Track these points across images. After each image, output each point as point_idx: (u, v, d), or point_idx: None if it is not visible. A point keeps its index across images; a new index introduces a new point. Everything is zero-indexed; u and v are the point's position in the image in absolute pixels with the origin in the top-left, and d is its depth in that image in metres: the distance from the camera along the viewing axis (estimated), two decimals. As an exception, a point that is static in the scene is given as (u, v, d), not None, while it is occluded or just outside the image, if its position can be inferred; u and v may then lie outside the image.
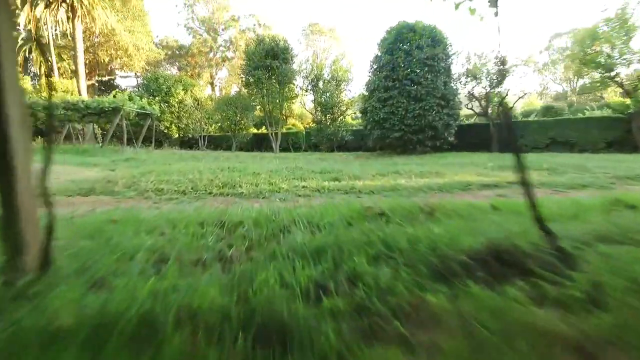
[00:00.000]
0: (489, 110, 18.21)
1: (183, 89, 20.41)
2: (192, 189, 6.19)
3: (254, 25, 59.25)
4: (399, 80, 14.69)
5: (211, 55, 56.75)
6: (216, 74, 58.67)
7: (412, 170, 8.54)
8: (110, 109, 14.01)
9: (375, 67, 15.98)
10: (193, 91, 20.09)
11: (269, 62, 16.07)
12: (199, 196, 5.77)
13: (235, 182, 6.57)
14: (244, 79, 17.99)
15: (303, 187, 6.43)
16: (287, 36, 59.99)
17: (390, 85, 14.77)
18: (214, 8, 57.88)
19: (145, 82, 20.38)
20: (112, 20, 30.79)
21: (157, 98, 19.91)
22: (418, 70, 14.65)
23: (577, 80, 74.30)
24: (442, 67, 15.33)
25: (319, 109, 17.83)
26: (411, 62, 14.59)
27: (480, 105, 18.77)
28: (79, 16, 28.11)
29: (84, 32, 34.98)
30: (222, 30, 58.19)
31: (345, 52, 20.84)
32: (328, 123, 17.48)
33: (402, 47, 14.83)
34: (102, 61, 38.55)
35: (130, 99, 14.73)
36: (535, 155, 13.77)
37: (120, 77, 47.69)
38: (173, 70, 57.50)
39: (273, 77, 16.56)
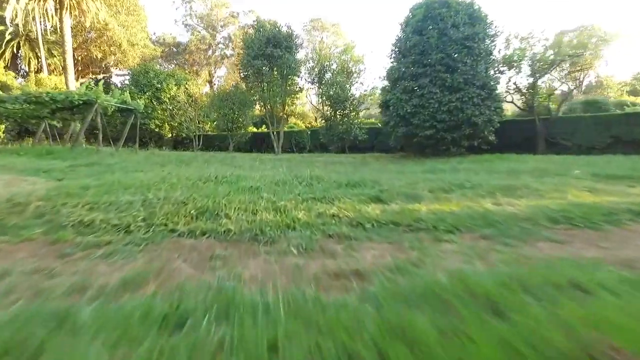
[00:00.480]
0: (534, 104, 15.45)
1: (176, 85, 17.79)
2: (143, 220, 3.76)
3: (254, 22, 56.75)
4: (430, 66, 11.13)
5: (210, 52, 54.21)
6: (215, 72, 56.11)
7: (478, 182, 5.94)
8: (81, 102, 11.42)
9: (398, 51, 12.45)
10: (187, 86, 17.43)
11: (269, 50, 13.36)
12: (151, 237, 3.23)
13: (218, 206, 4.07)
14: (241, 72, 15.15)
15: (332, 215, 3.99)
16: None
17: (419, 72, 11.09)
18: (213, 4, 55.32)
19: (134, 76, 17.73)
20: (103, 14, 28.21)
21: (147, 94, 17.29)
22: (455, 54, 11.20)
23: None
24: (482, 50, 11.95)
25: (327, 103, 14.98)
26: (445, 43, 11.07)
27: (525, 97, 16.14)
28: (66, 8, 25.48)
29: (76, 26, 32.43)
30: (221, 27, 55.65)
31: (355, 43, 17.75)
32: (338, 119, 14.63)
33: (433, 25, 11.32)
34: (96, 57, 35.95)
35: (107, 91, 11.99)
36: (607, 158, 11.08)
37: (117, 75, 45.09)
38: (170, 68, 55.08)
39: (275, 69, 13.81)
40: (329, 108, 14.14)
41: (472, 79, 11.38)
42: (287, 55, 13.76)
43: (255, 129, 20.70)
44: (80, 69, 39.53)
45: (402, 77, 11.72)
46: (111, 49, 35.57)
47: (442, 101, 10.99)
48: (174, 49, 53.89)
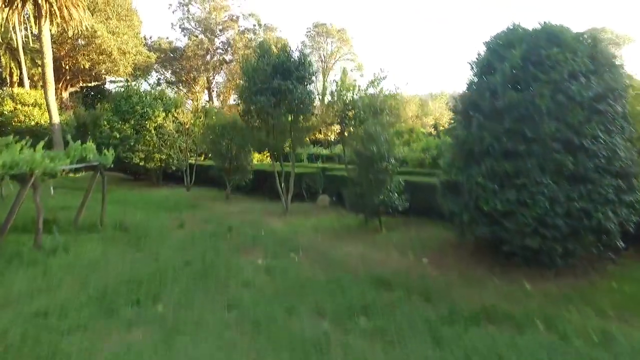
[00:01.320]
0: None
1: (164, 110, 15.08)
2: None
3: (254, 26, 54.01)
4: (537, 141, 6.69)
5: (208, 57, 51.40)
6: (213, 78, 53.28)
7: None
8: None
9: (474, 107, 7.53)
10: (176, 114, 14.64)
11: (277, 83, 10.39)
12: None
13: None
14: (240, 106, 11.94)
15: None
16: (291, 39, 54.71)
17: (520, 149, 6.79)
18: (211, 7, 52.45)
19: (115, 101, 14.99)
20: (89, 21, 25.39)
21: (131, 122, 14.58)
22: (580, 124, 6.61)
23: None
24: (619, 118, 7.06)
25: (355, 161, 10.25)
26: (563, 106, 6.71)
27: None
28: (45, 17, 22.65)
29: (62, 34, 29.55)
30: (220, 31, 52.81)
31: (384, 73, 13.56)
32: (372, 182, 9.37)
33: (541, 75, 6.85)
34: (83, 67, 33.13)
35: (46, 156, 8.09)
36: None
37: (110, 81, 42.16)
38: (167, 74, 52.13)
39: (283, 105, 10.77)
40: (355, 167, 10.13)
41: (607, 163, 6.63)
42: (300, 88, 10.73)
43: (257, 159, 17.98)
44: (68, 77, 36.69)
45: (485, 152, 7.10)
46: (100, 57, 32.76)
47: (557, 198, 6.45)
48: (171, 54, 51.06)
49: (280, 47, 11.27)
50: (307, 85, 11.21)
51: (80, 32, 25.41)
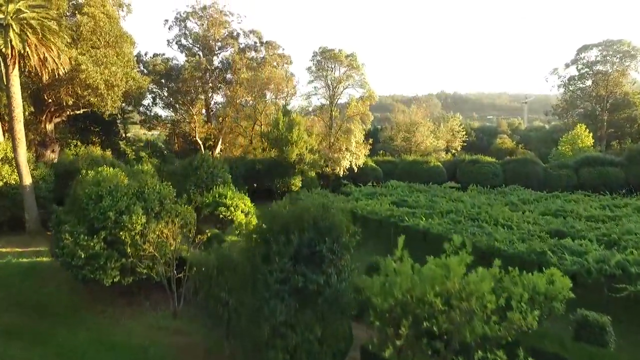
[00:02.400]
0: None
1: (144, 212, 11.64)
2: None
3: (255, 43, 50.34)
4: None
5: (207, 76, 47.79)
6: (212, 98, 49.67)
7: None
8: None
9: None
10: (162, 226, 11.13)
11: (300, 280, 6.28)
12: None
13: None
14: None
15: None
16: (294, 57, 51.05)
17: None
18: (209, 24, 48.77)
19: (81, 204, 11.49)
20: (71, 54, 21.93)
21: (101, 234, 11.16)
22: None
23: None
24: None
25: None
26: None
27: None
28: (13, 63, 19.15)
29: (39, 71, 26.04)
30: (219, 49, 49.18)
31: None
32: None
33: None
34: (66, 103, 29.63)
35: None
36: None
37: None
38: (163, 92, 48.49)
39: (310, 311, 6.45)
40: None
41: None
42: (336, 285, 6.51)
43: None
44: (52, 109, 33.14)
45: None
46: (86, 92, 29.23)
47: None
48: (167, 74, 47.41)
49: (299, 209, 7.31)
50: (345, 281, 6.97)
51: (57, 73, 21.89)
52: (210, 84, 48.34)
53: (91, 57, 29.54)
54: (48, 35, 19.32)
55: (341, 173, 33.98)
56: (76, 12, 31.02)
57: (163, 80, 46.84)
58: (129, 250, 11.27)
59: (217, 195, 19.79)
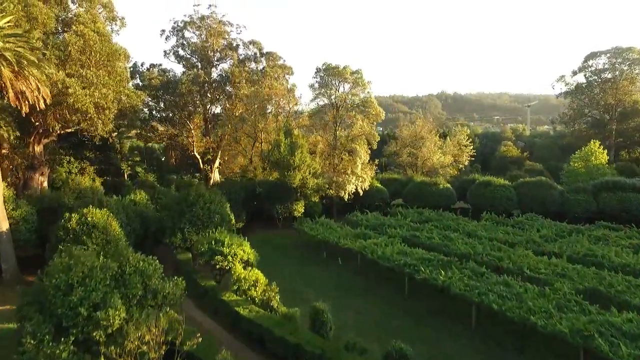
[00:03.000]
0: None
1: (124, 295, 9.75)
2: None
3: (255, 54, 48.29)
4: None
5: (206, 87, 45.83)
6: (210, 110, 47.70)
7: None
8: None
9: None
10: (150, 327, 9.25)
11: None
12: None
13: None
14: None
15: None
16: (295, 67, 49.04)
17: None
18: (208, 34, 46.79)
19: (50, 295, 9.54)
20: (46, 91, 19.95)
21: (71, 334, 9.28)
22: None
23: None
24: None
25: None
26: None
27: None
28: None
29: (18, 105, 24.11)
30: (217, 60, 47.21)
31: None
32: None
33: None
34: (53, 128, 27.70)
35: None
36: None
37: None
38: (160, 105, 46.50)
39: None
40: None
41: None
42: None
43: None
44: (41, 131, 31.17)
45: None
46: (74, 117, 27.30)
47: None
48: (164, 87, 45.43)
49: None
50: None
51: (37, 106, 19.92)
52: (209, 97, 46.48)
53: (80, 78, 27.56)
54: (26, 67, 17.36)
55: (346, 197, 32.03)
56: (65, 30, 29.10)
57: (161, 92, 44.90)
58: (102, 349, 9.35)
59: (212, 242, 17.84)
